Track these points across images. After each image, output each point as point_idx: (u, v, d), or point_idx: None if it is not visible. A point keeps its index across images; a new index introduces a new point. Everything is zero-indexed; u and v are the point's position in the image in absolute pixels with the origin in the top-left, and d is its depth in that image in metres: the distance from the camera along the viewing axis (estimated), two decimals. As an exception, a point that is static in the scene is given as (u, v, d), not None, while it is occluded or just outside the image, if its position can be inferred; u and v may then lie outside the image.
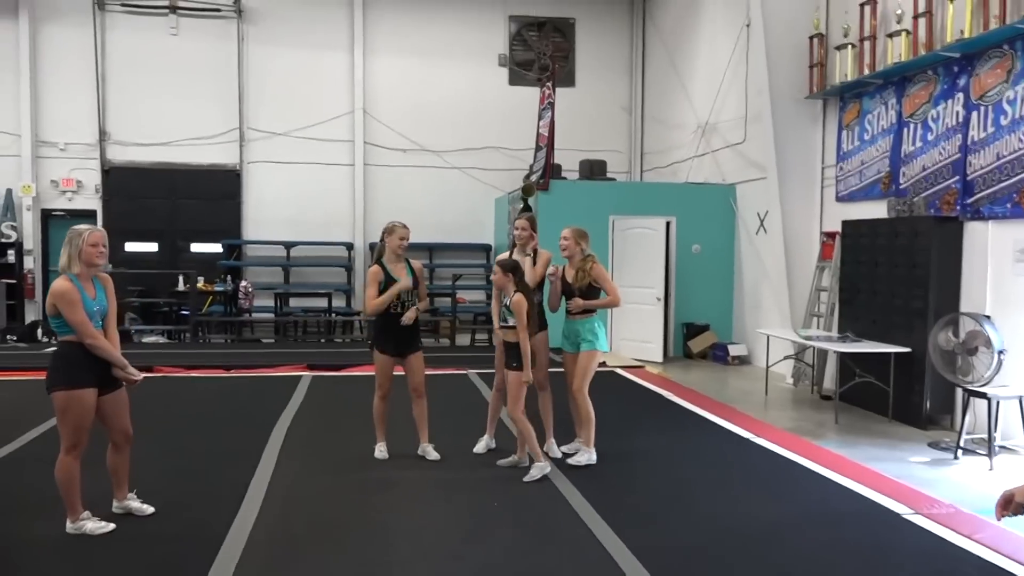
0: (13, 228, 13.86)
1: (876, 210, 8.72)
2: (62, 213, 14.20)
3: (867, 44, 8.84)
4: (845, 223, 8.96)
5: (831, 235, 9.58)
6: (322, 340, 13.59)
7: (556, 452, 5.99)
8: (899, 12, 8.25)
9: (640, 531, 4.47)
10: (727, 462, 6.01)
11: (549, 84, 12.34)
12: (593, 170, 12.59)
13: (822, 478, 5.55)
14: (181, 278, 13.30)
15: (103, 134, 14.29)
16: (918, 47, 8.00)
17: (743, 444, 6.55)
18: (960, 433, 6.59)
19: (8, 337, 12.02)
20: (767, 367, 9.43)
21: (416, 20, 15.01)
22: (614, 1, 15.59)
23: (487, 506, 4.87)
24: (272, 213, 14.69)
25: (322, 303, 14.03)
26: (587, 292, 5.77)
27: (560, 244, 5.89)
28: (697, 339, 11.80)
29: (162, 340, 12.86)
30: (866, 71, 8.81)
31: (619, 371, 9.91)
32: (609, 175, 13.01)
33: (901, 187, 8.43)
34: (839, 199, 9.60)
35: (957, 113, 7.64)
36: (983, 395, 6.45)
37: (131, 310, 13.28)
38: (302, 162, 14.67)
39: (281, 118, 14.60)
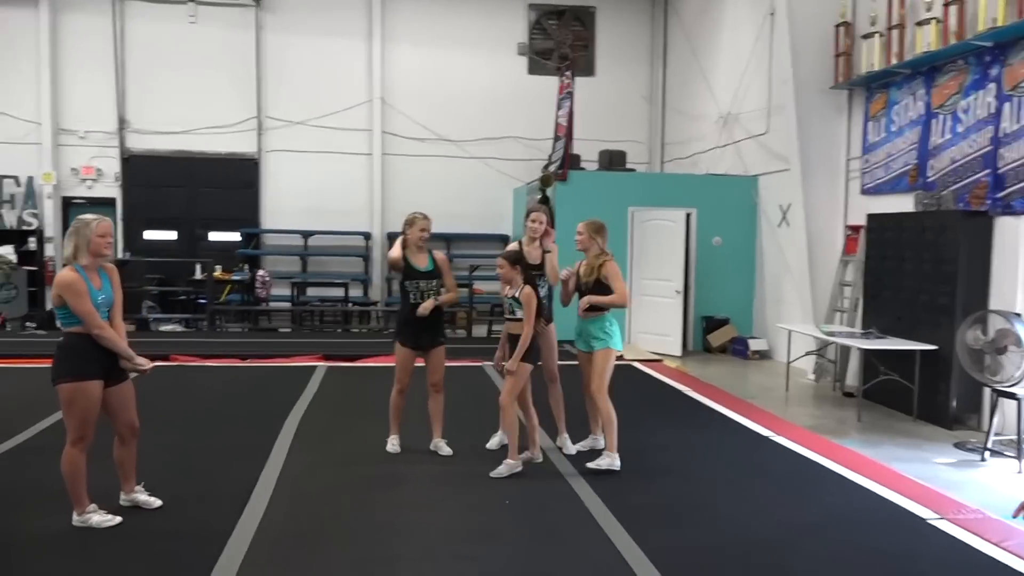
0: (34, 216, 13.95)
1: (902, 204, 8.51)
2: (82, 201, 14.27)
3: (895, 33, 8.60)
4: (870, 217, 8.75)
5: (855, 229, 9.37)
6: (339, 330, 13.55)
7: (570, 448, 5.89)
8: (929, 0, 8.01)
9: (655, 533, 4.35)
10: (746, 461, 5.86)
11: (568, 73, 12.18)
12: (612, 161, 12.42)
13: (844, 479, 5.40)
14: (199, 267, 13.31)
15: (123, 122, 14.32)
16: (948, 36, 7.76)
17: (763, 442, 6.40)
18: (988, 434, 6.40)
19: (27, 324, 12.10)
20: (788, 362, 9.25)
21: (434, 8, 14.90)
22: (636, -11, 15.38)
23: (498, 504, 4.77)
24: (290, 202, 14.68)
25: (339, 292, 13.99)
26: (595, 288, 5.53)
27: (576, 239, 5.71)
28: (717, 333, 11.63)
29: (179, 328, 12.88)
30: (894, 61, 8.58)
31: (636, 365, 9.77)
32: (629, 166, 12.84)
33: (929, 180, 8.20)
34: (864, 192, 9.38)
35: (989, 104, 7.40)
36: (1012, 395, 6.26)
37: (149, 298, 13.32)
38: (320, 151, 14.63)
39: (299, 107, 14.56)
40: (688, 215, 11.53)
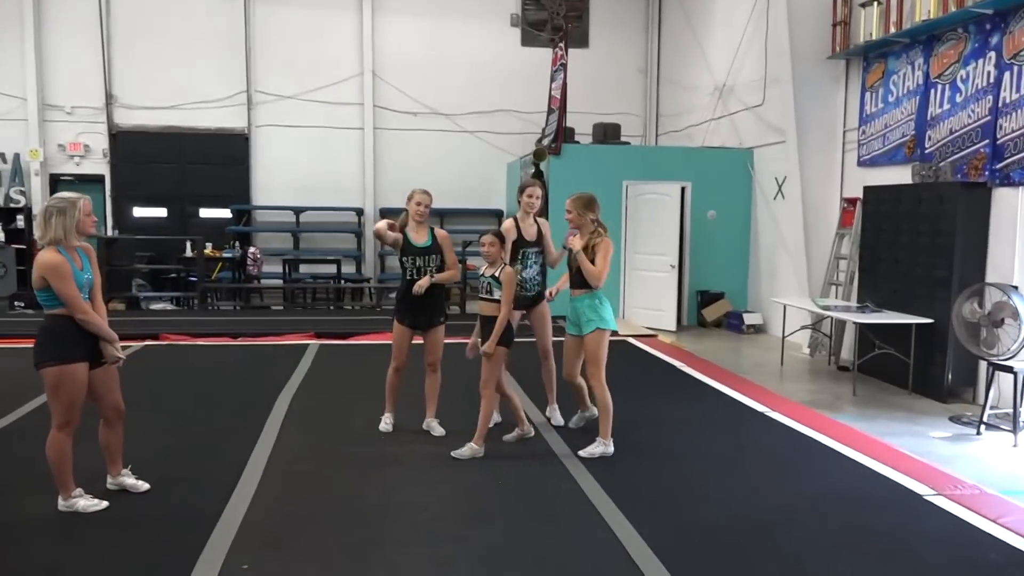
0: (22, 193, 13.78)
1: (900, 175, 8.41)
2: (70, 178, 14.09)
3: (894, 1, 8.44)
4: (867, 189, 8.66)
5: (852, 201, 9.28)
6: (331, 307, 13.46)
7: (558, 419, 5.89)
8: (929, -34, 7.86)
9: (649, 512, 4.31)
10: (741, 438, 5.82)
11: (562, 45, 11.99)
12: (607, 134, 12.27)
13: (840, 455, 5.36)
14: (189, 244, 13.17)
15: (110, 97, 14.10)
16: (948, 4, 7.61)
17: (758, 418, 6.35)
18: (984, 408, 6.37)
19: (16, 303, 11.98)
20: (783, 337, 9.21)
21: (426, -22, 14.63)
22: (630, -42, 15.12)
23: (491, 485, 4.72)
24: (281, 178, 14.52)
25: (331, 269, 13.89)
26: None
27: (566, 217, 5.45)
28: (711, 307, 11.58)
29: (170, 307, 12.77)
30: (892, 29, 8.43)
31: (631, 340, 9.71)
32: (623, 139, 12.68)
33: (927, 151, 8.10)
34: (861, 164, 9.27)
35: (988, 73, 7.29)
36: (1009, 369, 6.22)
37: (139, 276, 13.19)
38: (311, 126, 14.45)
39: (289, 81, 14.35)
40: (683, 188, 11.42)
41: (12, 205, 13.72)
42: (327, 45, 14.45)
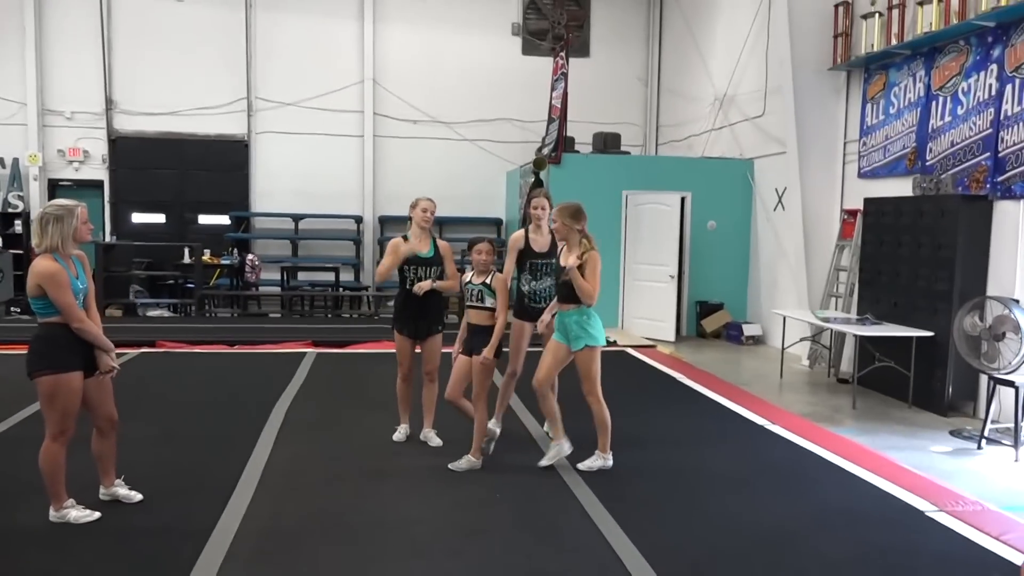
0: (20, 198, 13.72)
1: (900, 187, 8.39)
2: (69, 183, 14.04)
3: (895, 13, 8.44)
4: (867, 200, 8.64)
5: (852, 213, 9.26)
6: (329, 315, 13.41)
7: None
8: (930, -21, 7.86)
9: (648, 527, 4.26)
10: (741, 451, 5.77)
11: (563, 54, 11.99)
12: (607, 143, 12.26)
13: (841, 470, 5.30)
14: (187, 250, 13.13)
15: (109, 103, 14.06)
16: (950, 16, 7.61)
17: (758, 431, 6.31)
18: (985, 422, 6.33)
19: (12, 309, 11.93)
20: (783, 348, 9.17)
21: (427, -13, 14.64)
22: (631, -32, 15.14)
23: (489, 498, 4.67)
24: (280, 185, 14.47)
25: (330, 277, 13.84)
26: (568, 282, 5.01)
27: (551, 227, 5.23)
28: (711, 318, 11.54)
29: (167, 314, 12.72)
30: (894, 41, 8.43)
31: (630, 351, 9.67)
32: (623, 148, 12.67)
33: (927, 164, 8.08)
34: (861, 175, 9.25)
35: (990, 86, 7.27)
36: (1010, 383, 6.18)
37: (137, 283, 13.15)
38: (311, 133, 14.41)
39: (289, 88, 14.32)
40: (683, 199, 11.40)
41: (10, 210, 13.67)
42: (328, 53, 14.44)
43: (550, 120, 12.13)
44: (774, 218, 10.95)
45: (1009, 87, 7.03)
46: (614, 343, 10.14)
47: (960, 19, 7.45)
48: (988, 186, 7.23)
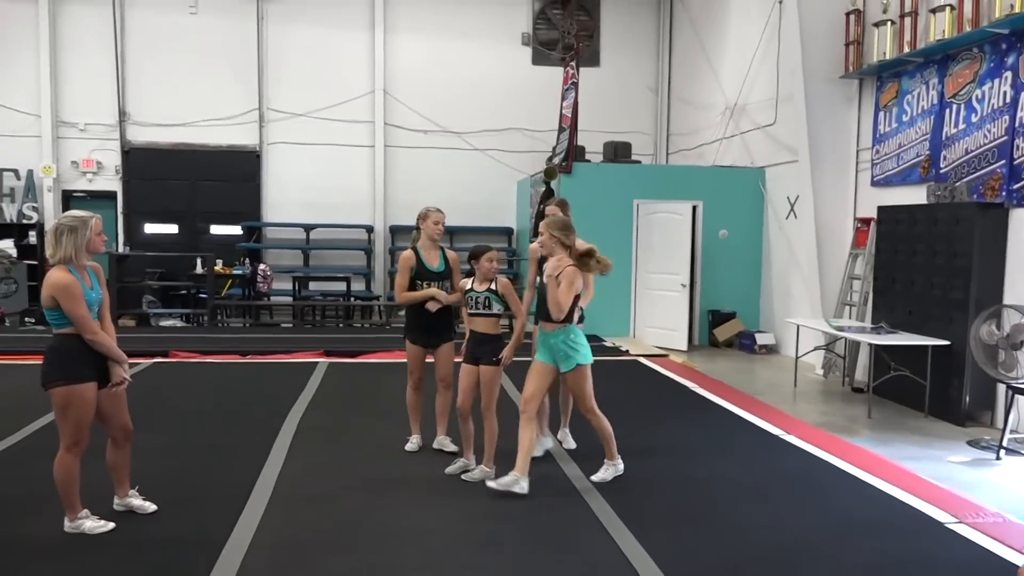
0: (34, 209, 13.82)
1: (914, 195, 8.33)
2: (83, 194, 14.16)
3: (907, 20, 8.41)
4: (881, 209, 8.58)
5: (865, 221, 9.20)
6: (340, 325, 13.43)
7: (570, 442, 5.83)
8: (943, -14, 7.83)
9: (665, 538, 4.21)
10: (756, 461, 5.72)
11: (573, 64, 12.01)
12: (617, 152, 12.25)
13: (857, 481, 5.26)
14: (199, 261, 13.19)
15: (123, 114, 14.17)
16: (963, 23, 7.57)
17: (772, 441, 6.26)
18: (1003, 432, 6.25)
19: (27, 320, 12.00)
20: (796, 357, 9.11)
21: (437, -2, 14.71)
22: (641, -23, 15.16)
23: (502, 509, 4.63)
24: (292, 195, 14.54)
25: (341, 287, 13.87)
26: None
27: (538, 240, 5.10)
28: (723, 327, 11.49)
29: (180, 324, 12.77)
30: (906, 49, 8.39)
31: (642, 360, 9.63)
32: (634, 157, 12.67)
33: (942, 171, 8.03)
34: (874, 184, 9.20)
35: (1004, 93, 7.22)
36: (1029, 393, 6.11)
37: (149, 293, 13.21)
38: (322, 143, 14.49)
39: (301, 99, 14.40)
40: (694, 207, 11.37)
41: (25, 221, 13.77)
42: (339, 64, 14.52)
43: (561, 129, 12.14)
44: (786, 226, 10.90)
45: (1024, 94, 6.98)
46: (626, 352, 10.11)
47: (973, 27, 7.41)
48: (1004, 194, 7.17)
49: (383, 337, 11.16)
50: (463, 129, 14.73)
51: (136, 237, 14.39)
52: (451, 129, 14.72)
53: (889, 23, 8.63)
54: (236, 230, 14.32)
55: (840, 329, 8.29)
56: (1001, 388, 6.77)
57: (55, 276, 4.05)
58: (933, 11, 8.01)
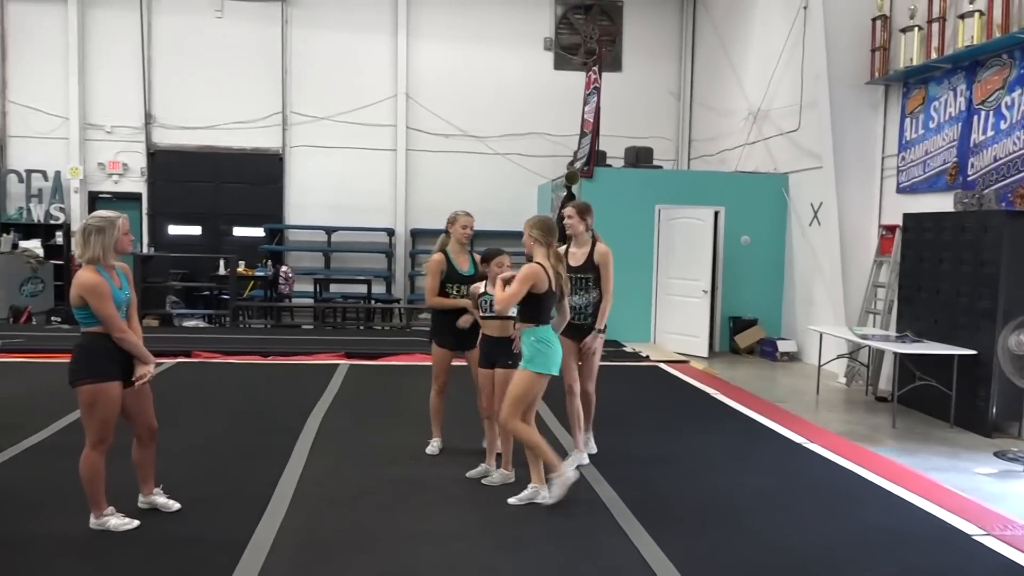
0: (61, 210, 14.02)
1: (940, 203, 8.24)
2: (109, 196, 14.35)
3: (935, 26, 8.33)
4: (907, 216, 8.49)
5: (891, 228, 9.11)
6: (360, 327, 13.49)
7: (592, 447, 5.76)
8: (972, -8, 7.76)
9: (688, 546, 4.18)
10: (779, 470, 5.67)
11: (595, 68, 11.99)
12: (639, 157, 12.22)
13: (882, 491, 5.19)
14: (222, 262, 13.31)
15: (149, 117, 14.35)
16: (992, 29, 7.49)
17: (795, 449, 6.20)
18: (1031, 444, 6.16)
19: (53, 319, 12.15)
20: (819, 365, 9.02)
21: (460, 3, 14.77)
22: (664, -17, 15.14)
23: (523, 512, 4.63)
24: (314, 198, 14.64)
25: (362, 289, 13.93)
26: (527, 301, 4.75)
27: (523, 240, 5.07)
28: (744, 334, 11.41)
29: (202, 324, 12.88)
30: (933, 55, 8.31)
31: (662, 366, 9.59)
32: (656, 163, 12.63)
33: (969, 179, 7.94)
34: (900, 191, 9.11)
35: (1034, 100, 7.13)
36: (1058, 404, 6.01)
37: (173, 293, 13.35)
38: (344, 147, 14.59)
39: (324, 102, 14.51)
40: (716, 213, 11.31)
41: (52, 222, 13.98)
42: (362, 68, 14.61)
43: (582, 134, 12.13)
44: (809, 233, 10.81)
45: (1054, 101, 6.89)
46: (647, 357, 10.07)
47: (1003, 32, 7.33)
48: (1033, 202, 7.08)
49: (403, 340, 11.19)
50: (485, 133, 14.77)
51: (160, 238, 14.55)
52: (473, 133, 14.77)
53: (916, 28, 8.56)
54: (259, 232, 14.45)
55: (864, 337, 8.21)
56: (1029, 399, 6.67)
57: (84, 276, 4.09)
58: (961, 16, 7.92)
